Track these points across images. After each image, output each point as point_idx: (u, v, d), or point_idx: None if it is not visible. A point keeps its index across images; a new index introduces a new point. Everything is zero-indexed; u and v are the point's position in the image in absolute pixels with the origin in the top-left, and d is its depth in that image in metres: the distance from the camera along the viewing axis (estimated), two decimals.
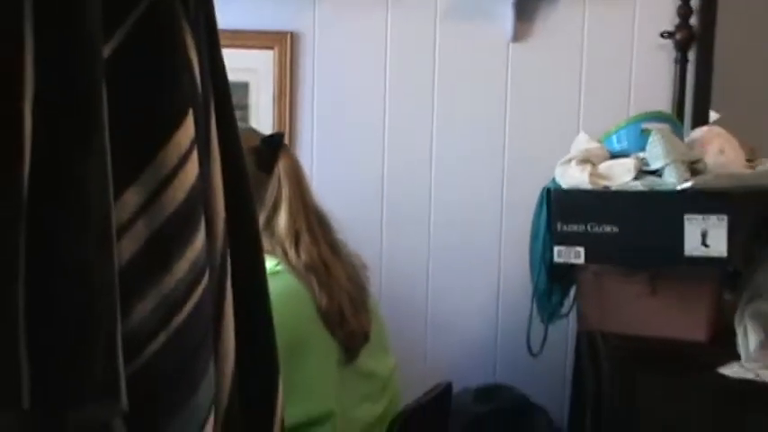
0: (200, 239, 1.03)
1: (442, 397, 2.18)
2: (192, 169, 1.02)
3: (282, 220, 1.86)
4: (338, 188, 2.56)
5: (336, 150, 2.79)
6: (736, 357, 2.08)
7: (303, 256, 1.84)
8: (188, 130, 1.02)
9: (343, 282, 1.88)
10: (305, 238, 1.86)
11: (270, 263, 1.84)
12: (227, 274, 1.11)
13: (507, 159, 2.77)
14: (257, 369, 1.18)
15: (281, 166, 1.88)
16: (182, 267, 1.01)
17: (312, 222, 1.89)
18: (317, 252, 1.85)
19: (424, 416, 2.09)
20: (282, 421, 1.18)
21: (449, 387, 2.24)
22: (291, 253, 1.84)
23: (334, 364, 1.85)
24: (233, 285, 1.12)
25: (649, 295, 2.18)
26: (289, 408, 1.76)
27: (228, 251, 1.11)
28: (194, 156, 1.03)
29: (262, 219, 1.85)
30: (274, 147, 1.92)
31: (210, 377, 1.06)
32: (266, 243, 1.82)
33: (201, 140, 1.07)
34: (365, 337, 1.91)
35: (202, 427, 1.03)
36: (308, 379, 1.79)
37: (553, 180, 2.26)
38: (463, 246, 2.80)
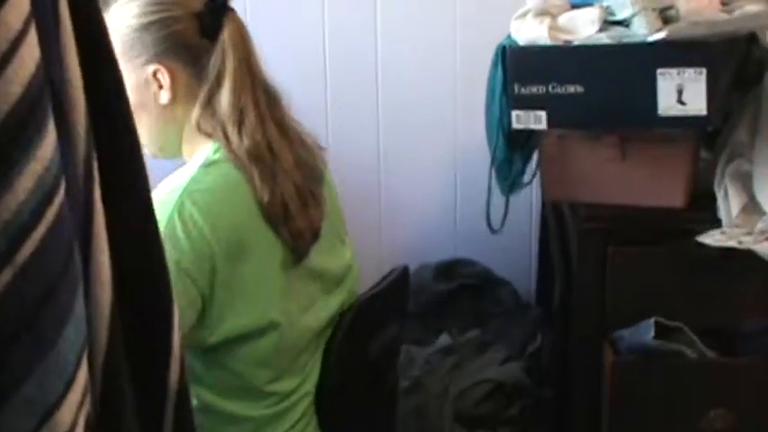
0: (48, 145, 0.80)
1: (397, 282, 1.98)
2: (29, 55, 0.78)
3: (225, 96, 1.61)
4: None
5: (273, 18, 2.51)
6: (717, 224, 1.89)
7: (246, 141, 1.59)
8: (18, 3, 0.77)
9: (291, 169, 1.64)
10: (250, 117, 1.61)
11: (208, 148, 1.62)
12: (94, 184, 0.88)
13: (458, 16, 2.51)
14: (145, 298, 0.96)
15: (227, 33, 1.63)
16: (24, 184, 0.78)
17: (259, 99, 1.64)
18: (261, 134, 1.61)
19: (381, 305, 1.89)
20: (182, 359, 0.97)
21: (405, 271, 2.03)
22: (233, 136, 1.60)
23: (279, 266, 1.62)
24: (106, 198, 0.89)
25: (620, 160, 1.98)
26: (228, 317, 1.56)
27: (95, 154, 0.88)
28: (31, 37, 0.78)
29: (202, 95, 1.62)
30: (219, 10, 1.65)
31: (78, 317, 0.84)
32: (206, 124, 1.61)
33: (45, 14, 0.82)
34: (314, 235, 1.67)
35: (72, 378, 0.82)
36: (248, 285, 1.57)
37: (508, 37, 2.02)
38: (414, 115, 2.57)
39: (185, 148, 1.69)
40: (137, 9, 1.64)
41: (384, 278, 1.93)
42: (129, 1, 1.65)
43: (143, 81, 1.64)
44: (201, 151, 1.63)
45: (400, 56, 2.54)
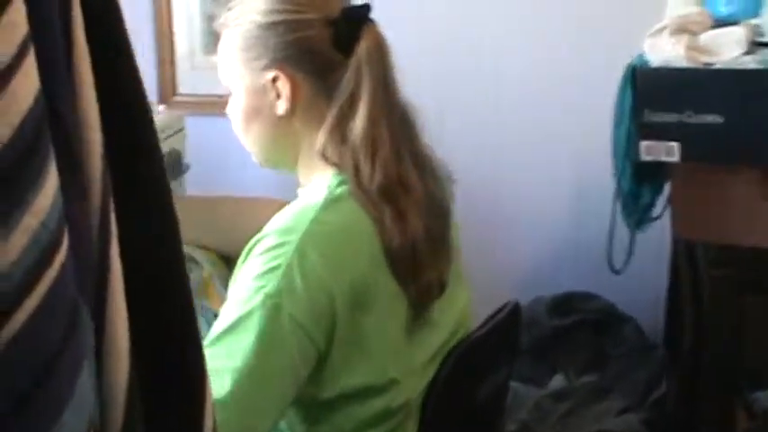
0: (47, 195, 0.66)
1: (509, 320, 1.79)
2: (24, 87, 0.65)
3: (359, 123, 1.40)
4: None
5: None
6: None
7: (378, 175, 1.38)
8: (14, 17, 0.63)
9: (423, 209, 1.43)
10: (384, 147, 1.40)
11: (328, 178, 1.42)
12: (110, 238, 0.73)
13: (583, 29, 2.31)
14: (172, 375, 0.81)
15: (364, 47, 1.42)
16: (15, 242, 0.64)
17: (395, 126, 1.42)
18: (395, 167, 1.40)
19: (490, 345, 1.70)
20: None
21: (517, 308, 1.84)
22: (365, 168, 1.39)
23: (400, 321, 1.43)
24: (125, 253, 0.75)
25: (762, 199, 1.75)
26: (343, 374, 1.38)
27: (112, 202, 0.73)
28: (28, 65, 0.65)
29: (331, 118, 1.41)
30: (358, 19, 1.45)
31: (82, 399, 0.69)
32: (333, 152, 1.40)
33: (51, 36, 0.68)
34: (441, 289, 1.46)
35: None
36: (367, 341, 1.39)
37: (640, 56, 1.81)
38: (534, 136, 2.38)
39: (302, 170, 1.50)
40: (264, 5, 1.45)
41: (494, 314, 1.74)
42: None
43: (260, 86, 1.45)
44: (321, 180, 1.44)
45: (517, 73, 2.35)
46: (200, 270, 1.85)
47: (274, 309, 1.31)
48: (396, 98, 1.46)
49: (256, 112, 1.47)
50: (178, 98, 2.37)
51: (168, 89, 2.36)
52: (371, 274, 1.38)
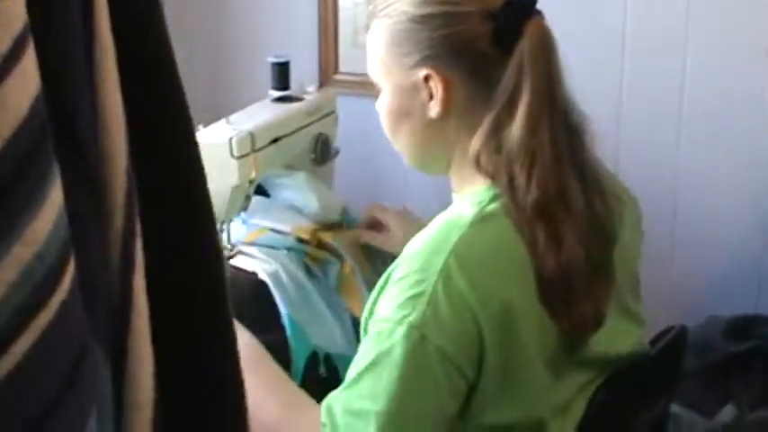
0: (44, 221, 0.55)
1: (673, 346, 1.58)
2: (19, 90, 0.54)
3: (517, 130, 1.25)
4: None
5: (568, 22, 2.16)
6: None
7: (534, 190, 1.23)
8: (6, 5, 0.53)
9: (584, 230, 1.26)
10: (544, 159, 1.25)
11: (481, 191, 1.28)
12: (134, 270, 0.62)
13: None
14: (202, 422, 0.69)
15: (526, 45, 1.26)
16: (1, 276, 0.54)
17: (557, 134, 1.27)
18: (555, 181, 1.25)
19: (650, 372, 1.51)
20: None
21: (683, 332, 1.63)
22: (520, 181, 1.24)
23: (549, 355, 1.27)
24: (154, 288, 0.63)
25: None
26: (488, 411, 1.24)
27: (138, 228, 0.62)
28: (27, 62, 0.54)
29: (487, 123, 1.27)
30: (522, 11, 1.28)
31: None
32: (488, 161, 1.27)
33: (63, 26, 0.57)
34: (598, 322, 1.29)
35: None
36: (514, 375, 1.24)
37: None
38: (719, 137, 2.14)
39: (455, 177, 1.37)
40: None
41: (658, 337, 1.55)
42: None
43: (410, 85, 1.32)
44: (473, 192, 1.30)
45: (705, 76, 2.12)
46: (341, 264, 1.74)
47: (420, 341, 1.18)
48: (560, 102, 1.29)
49: (406, 113, 1.34)
50: (339, 77, 2.27)
51: (330, 67, 2.26)
52: (521, 301, 1.23)
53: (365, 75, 2.18)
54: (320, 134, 1.84)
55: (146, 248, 0.63)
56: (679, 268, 2.25)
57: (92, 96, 0.58)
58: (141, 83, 0.61)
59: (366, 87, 2.17)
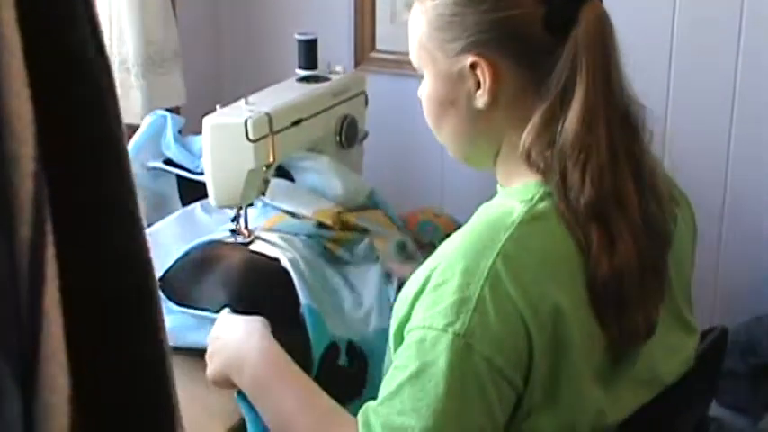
0: None
1: (714, 348, 1.49)
2: None
3: (572, 124, 1.16)
4: None
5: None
6: None
7: (588, 190, 1.15)
8: None
9: (638, 233, 1.18)
10: (599, 155, 1.16)
11: (530, 187, 1.20)
12: (44, 284, 0.55)
13: None
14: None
15: (582, 31, 1.17)
16: None
17: (614, 129, 1.18)
18: (610, 180, 1.17)
19: (690, 373, 1.42)
20: None
21: (723, 335, 1.53)
22: (574, 179, 1.16)
23: (596, 367, 1.19)
24: (71, 301, 0.56)
25: None
26: (533, 425, 1.15)
27: (49, 235, 0.55)
28: None
29: (539, 115, 1.18)
30: None
31: None
32: (539, 156, 1.18)
33: None
34: (649, 332, 1.21)
35: None
36: (561, 388, 1.16)
37: None
38: None
39: (501, 171, 1.27)
40: None
41: (699, 339, 1.45)
42: None
43: (455, 73, 1.22)
44: (522, 188, 1.22)
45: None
46: (369, 237, 1.68)
47: (466, 351, 1.09)
48: (618, 95, 1.20)
49: (450, 102, 1.25)
50: (375, 55, 2.19)
51: (366, 45, 2.18)
52: (571, 307, 1.14)
53: (403, 53, 2.11)
54: (346, 116, 1.77)
55: (65, 260, 0.56)
56: (725, 267, 2.13)
57: None
58: (55, 80, 0.54)
59: (404, 67, 2.09)
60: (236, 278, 1.51)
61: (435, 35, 1.23)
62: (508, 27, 1.19)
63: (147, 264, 0.61)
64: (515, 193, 1.21)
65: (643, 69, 1.25)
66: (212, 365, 1.33)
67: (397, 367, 1.14)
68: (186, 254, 1.56)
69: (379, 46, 2.18)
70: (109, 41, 1.91)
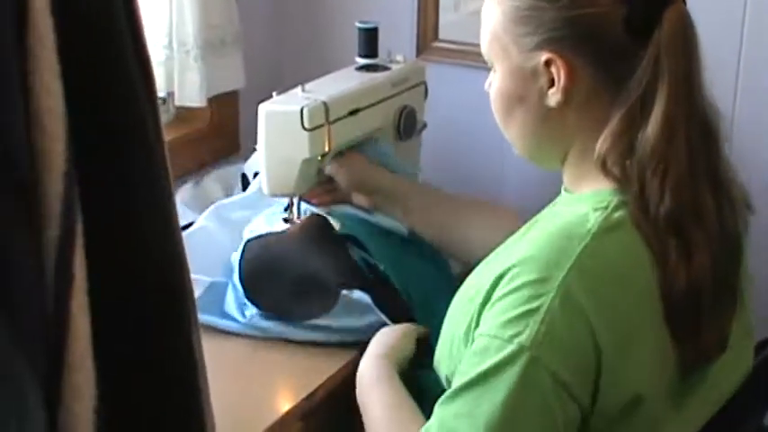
0: None
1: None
2: None
3: (652, 132, 1.12)
4: None
5: None
6: None
7: (667, 200, 1.12)
8: None
9: (714, 246, 1.14)
10: (679, 165, 1.13)
11: (604, 195, 1.17)
12: (71, 288, 0.53)
13: None
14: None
15: (666, 34, 1.13)
16: None
17: (693, 139, 1.14)
18: (689, 191, 1.13)
19: (745, 390, 1.38)
20: None
21: None
22: (652, 190, 1.12)
23: (668, 387, 1.16)
24: (98, 301, 0.54)
25: None
26: None
27: (78, 234, 0.53)
28: None
29: (616, 120, 1.14)
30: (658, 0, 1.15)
31: None
32: (615, 163, 1.15)
33: None
34: (722, 348, 1.17)
35: None
36: (628, 403, 1.13)
37: None
38: None
39: (569, 173, 1.25)
40: None
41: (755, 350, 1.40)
42: None
43: (528, 69, 1.20)
44: (595, 195, 1.18)
45: None
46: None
47: (532, 363, 1.07)
48: (699, 102, 1.16)
49: (521, 98, 1.22)
50: (438, 44, 2.14)
51: (428, 34, 2.14)
52: (645, 323, 1.12)
53: (466, 44, 2.07)
54: (405, 106, 1.73)
55: (96, 262, 0.54)
56: None
57: (23, 88, 0.49)
58: (89, 73, 0.51)
59: (466, 57, 2.06)
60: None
61: (510, 28, 1.20)
62: (586, 26, 1.16)
63: (181, 267, 0.59)
64: (587, 200, 1.18)
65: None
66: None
67: (462, 372, 1.12)
68: (244, 250, 1.53)
69: (441, 35, 2.14)
70: (169, 23, 1.89)
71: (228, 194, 1.86)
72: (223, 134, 2.11)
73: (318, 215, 1.59)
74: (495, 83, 1.24)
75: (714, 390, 1.22)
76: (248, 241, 1.54)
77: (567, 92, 1.17)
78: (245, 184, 1.87)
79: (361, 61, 1.79)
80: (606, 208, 1.15)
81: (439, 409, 1.13)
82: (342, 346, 1.44)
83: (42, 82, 0.50)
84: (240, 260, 1.49)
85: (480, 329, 1.13)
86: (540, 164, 1.30)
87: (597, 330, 1.08)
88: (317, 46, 2.26)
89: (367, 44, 1.79)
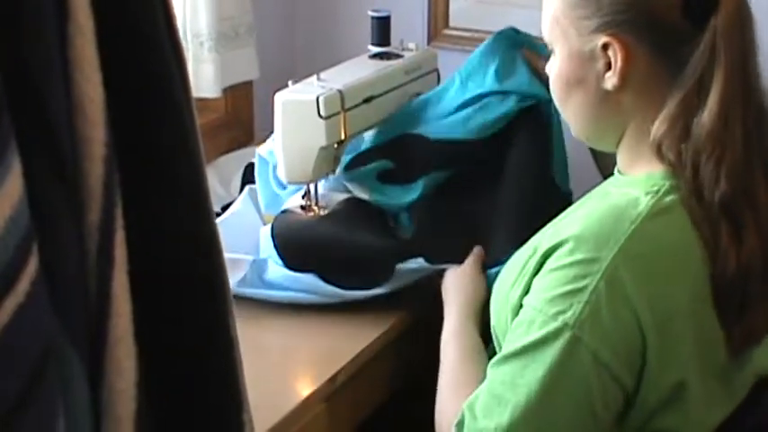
0: (2, 208, 0.49)
1: None
2: None
3: (708, 117, 1.14)
4: None
5: None
6: None
7: (723, 185, 1.13)
8: None
9: (766, 228, 1.16)
10: (734, 151, 1.14)
11: (656, 177, 1.18)
12: (113, 268, 0.55)
13: None
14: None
15: (721, 20, 1.14)
16: None
17: (749, 125, 1.16)
18: (743, 176, 1.15)
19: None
20: None
21: None
22: (707, 174, 1.14)
23: (717, 369, 1.18)
24: (138, 283, 0.56)
25: None
26: (652, 419, 1.14)
27: (119, 221, 0.55)
28: None
29: (673, 105, 1.16)
30: None
31: None
32: (671, 148, 1.16)
33: None
34: (766, 331, 1.19)
35: None
36: (674, 389, 1.15)
37: None
38: None
39: (624, 155, 1.26)
40: None
41: None
42: None
43: (587, 52, 1.21)
44: (647, 177, 1.20)
45: None
46: None
47: (574, 342, 1.10)
48: (755, 88, 1.18)
49: (579, 81, 1.24)
50: (449, 31, 2.16)
51: (440, 21, 2.15)
52: (691, 307, 1.14)
53: (477, 30, 2.08)
54: (418, 94, 1.75)
55: (135, 244, 0.56)
56: None
57: (65, 76, 0.51)
58: (126, 62, 0.53)
59: (477, 44, 2.06)
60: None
61: (570, 12, 1.22)
62: (644, 10, 1.18)
63: (216, 247, 0.61)
64: (639, 183, 1.20)
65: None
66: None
67: (510, 340, 1.16)
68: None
69: (452, 23, 2.15)
70: (182, 15, 1.91)
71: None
72: (238, 124, 2.13)
73: (349, 199, 1.62)
74: (555, 66, 1.27)
75: (758, 367, 1.23)
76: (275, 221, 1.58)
77: (624, 75, 1.19)
78: (251, 175, 1.86)
79: (374, 49, 1.81)
80: (658, 192, 1.16)
81: (490, 371, 1.17)
82: (364, 327, 1.47)
83: (83, 70, 0.52)
84: (273, 236, 1.53)
85: (528, 299, 1.17)
86: (596, 145, 1.34)
87: (642, 316, 1.10)
88: (328, 35, 2.28)
89: (380, 32, 1.80)
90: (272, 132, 1.63)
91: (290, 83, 1.60)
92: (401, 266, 1.48)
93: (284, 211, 1.62)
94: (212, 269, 0.59)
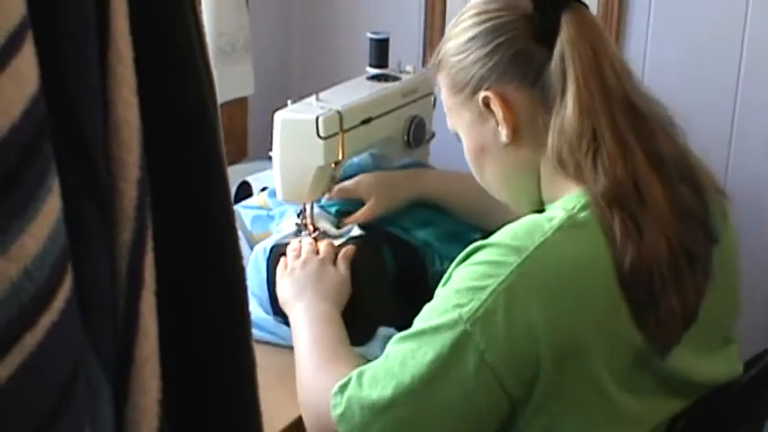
0: (38, 230, 0.50)
1: (766, 374, 1.47)
2: (15, 86, 0.49)
3: (570, 112, 1.19)
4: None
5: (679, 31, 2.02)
6: None
7: (602, 178, 1.17)
8: None
9: (666, 220, 1.17)
10: (606, 144, 1.18)
11: (573, 198, 1.21)
12: (142, 288, 0.56)
13: None
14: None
15: (567, 34, 1.21)
16: None
17: (617, 118, 1.20)
18: (623, 167, 1.18)
19: (739, 397, 1.40)
20: None
21: None
22: (589, 172, 1.18)
23: (626, 368, 1.18)
24: (165, 304, 0.57)
25: None
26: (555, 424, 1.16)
27: (149, 243, 0.56)
28: (25, 53, 0.49)
29: (555, 120, 1.22)
30: (555, 8, 1.24)
31: None
32: (569, 159, 1.20)
33: (74, 17, 0.51)
34: (687, 322, 1.19)
35: None
36: (575, 398, 1.16)
37: None
38: None
39: (546, 193, 1.28)
40: (455, 30, 1.31)
41: (752, 362, 1.44)
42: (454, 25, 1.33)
43: (477, 118, 1.28)
44: (565, 198, 1.22)
45: None
46: None
47: (464, 336, 1.12)
48: (614, 86, 1.22)
49: (482, 147, 1.30)
50: None
51: (435, 44, 2.17)
52: (599, 320, 1.15)
53: None
54: (415, 116, 1.77)
55: (162, 264, 0.57)
56: None
57: (104, 101, 0.53)
58: (162, 85, 0.55)
59: None
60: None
61: (451, 93, 1.30)
62: (503, 52, 1.24)
63: (239, 269, 0.62)
64: (560, 203, 1.22)
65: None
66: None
67: (416, 321, 1.19)
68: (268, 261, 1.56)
69: None
70: None
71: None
72: (232, 140, 2.14)
73: (354, 243, 1.59)
74: (465, 146, 1.32)
75: (678, 380, 1.24)
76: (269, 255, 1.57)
77: (510, 122, 1.24)
78: (245, 192, 1.87)
79: (372, 71, 1.82)
80: (573, 208, 1.18)
81: (390, 346, 1.20)
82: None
83: (121, 95, 0.53)
84: (267, 275, 1.53)
85: (440, 287, 1.20)
86: (520, 205, 1.32)
87: (539, 333, 1.11)
88: (324, 54, 2.30)
89: (378, 55, 1.82)
90: (267, 151, 1.65)
91: (289, 102, 1.61)
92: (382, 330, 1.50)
93: (276, 246, 1.58)
94: (235, 286, 0.60)
